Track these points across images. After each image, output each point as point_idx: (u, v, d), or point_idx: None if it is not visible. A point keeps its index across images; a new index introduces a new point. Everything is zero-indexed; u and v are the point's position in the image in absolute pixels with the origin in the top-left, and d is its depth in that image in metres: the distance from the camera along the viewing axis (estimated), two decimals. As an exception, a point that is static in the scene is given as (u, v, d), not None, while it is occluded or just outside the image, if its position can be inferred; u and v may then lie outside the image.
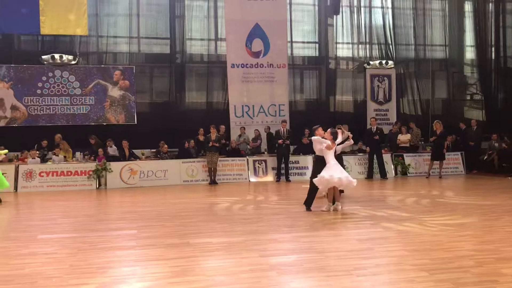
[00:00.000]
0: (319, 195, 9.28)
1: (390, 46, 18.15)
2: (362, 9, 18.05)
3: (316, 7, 17.97)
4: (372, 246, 6.12)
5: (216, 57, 17.09)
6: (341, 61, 18.22)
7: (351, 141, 10.31)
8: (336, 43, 17.93)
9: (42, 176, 13.43)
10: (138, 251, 6.11)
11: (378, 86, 17.81)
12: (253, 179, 14.69)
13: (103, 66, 15.96)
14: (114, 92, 15.82)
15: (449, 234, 6.70)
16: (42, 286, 4.76)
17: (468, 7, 19.02)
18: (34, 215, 9.81)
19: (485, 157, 15.98)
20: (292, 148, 15.15)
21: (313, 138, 8.91)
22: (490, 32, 18.62)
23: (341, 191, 10.63)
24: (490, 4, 18.79)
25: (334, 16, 17.79)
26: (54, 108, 15.35)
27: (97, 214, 9.42)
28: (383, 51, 18.09)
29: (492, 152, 15.85)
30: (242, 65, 16.24)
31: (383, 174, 14.71)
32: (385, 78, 17.88)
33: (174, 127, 15.84)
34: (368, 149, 14.96)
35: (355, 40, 18.03)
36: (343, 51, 18.18)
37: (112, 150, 14.44)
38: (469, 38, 18.98)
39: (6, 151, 12.26)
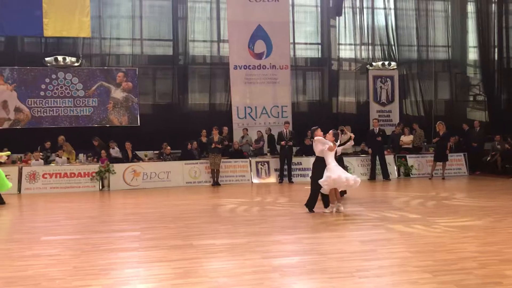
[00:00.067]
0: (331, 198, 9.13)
1: (393, 47, 18.14)
2: (365, 10, 18.05)
3: (319, 9, 18.00)
4: (375, 247, 6.12)
5: (218, 58, 17.11)
6: (344, 62, 18.22)
7: (352, 142, 10.33)
8: (339, 44, 17.95)
9: (46, 177, 13.47)
10: (141, 253, 6.12)
11: (380, 87, 17.79)
12: (255, 180, 14.69)
13: (106, 68, 16.01)
14: (117, 94, 15.86)
15: (452, 236, 6.69)
16: (46, 288, 4.78)
17: (470, 8, 19.01)
18: (38, 216, 9.83)
19: (488, 158, 15.95)
20: (295, 149, 15.14)
21: (316, 138, 8.88)
22: (493, 33, 18.60)
23: (344, 193, 10.67)
24: (493, 5, 18.77)
25: (337, 17, 17.80)
26: (57, 110, 15.39)
27: (100, 216, 9.43)
28: (386, 52, 18.09)
29: (495, 153, 15.82)
30: (245, 67, 16.26)
31: (386, 175, 14.70)
32: (387, 79, 17.86)
33: (177, 128, 15.87)
34: (370, 150, 14.96)
35: (358, 41, 18.04)
36: (346, 52, 18.20)
37: (115, 152, 14.47)
38: (472, 39, 18.97)
39: (8, 153, 12.31)
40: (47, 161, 14.19)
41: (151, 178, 13.99)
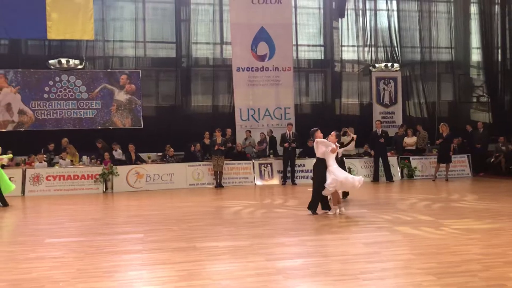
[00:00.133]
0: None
1: (396, 49, 18.13)
2: (368, 12, 18.06)
3: (321, 10, 18.01)
4: (378, 249, 6.10)
5: (221, 60, 17.14)
6: (347, 64, 18.22)
7: (353, 143, 10.32)
8: (342, 46, 17.94)
9: (49, 180, 13.50)
10: (144, 255, 6.12)
11: (384, 88, 17.77)
12: (259, 182, 14.69)
13: (109, 70, 16.05)
14: (121, 96, 15.90)
15: (456, 238, 6.67)
16: (50, 290, 4.79)
17: (474, 9, 18.97)
18: (41, 219, 9.85)
19: (492, 160, 15.91)
20: (298, 151, 15.13)
21: (318, 140, 8.84)
22: (497, 34, 18.56)
23: (347, 194, 10.66)
24: (496, 6, 18.74)
25: (340, 19, 17.81)
26: (61, 112, 15.44)
27: (103, 218, 9.45)
28: (389, 54, 18.07)
29: (499, 154, 15.77)
30: (248, 69, 16.28)
31: (389, 177, 14.67)
32: (390, 80, 17.84)
33: (180, 130, 15.90)
34: (373, 152, 14.94)
35: (361, 43, 18.04)
36: (349, 54, 18.19)
37: (117, 154, 14.51)
38: (475, 40, 18.93)
39: (11, 156, 12.31)
40: (50, 163, 14.24)
41: (154, 180, 14.00)
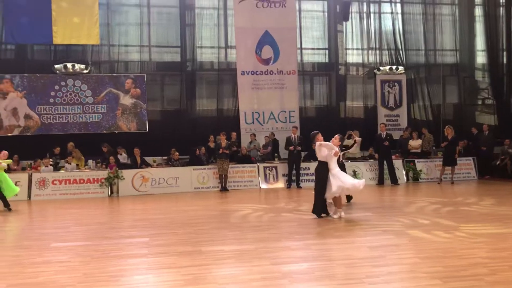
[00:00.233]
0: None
1: (400, 52, 18.11)
2: (372, 15, 18.07)
3: (326, 14, 18.04)
4: (384, 253, 6.09)
5: (226, 64, 17.18)
6: (351, 67, 18.22)
7: (356, 146, 10.32)
8: (346, 49, 17.96)
9: (55, 184, 13.56)
10: (150, 259, 6.14)
11: (388, 91, 17.75)
12: (263, 185, 14.69)
13: (114, 74, 16.12)
14: (126, 100, 15.96)
15: (462, 241, 6.65)
16: (56, 295, 4.82)
17: (478, 11, 18.93)
18: (47, 223, 9.90)
19: (498, 162, 15.83)
20: (303, 154, 15.12)
21: (322, 143, 8.82)
22: (501, 36, 18.50)
23: (351, 198, 10.65)
24: (501, 8, 18.67)
25: (344, 22, 17.80)
26: (66, 117, 15.51)
27: (109, 222, 9.48)
28: (393, 57, 18.06)
29: (505, 157, 15.69)
30: (252, 72, 16.30)
31: (394, 180, 14.62)
32: (395, 83, 17.82)
33: (185, 134, 15.96)
34: (377, 155, 14.91)
35: (365, 46, 18.03)
36: (353, 57, 18.19)
37: (122, 158, 14.55)
38: (480, 42, 18.88)
39: (10, 161, 12.29)
40: (56, 168, 14.30)
41: (159, 184, 14.04)
